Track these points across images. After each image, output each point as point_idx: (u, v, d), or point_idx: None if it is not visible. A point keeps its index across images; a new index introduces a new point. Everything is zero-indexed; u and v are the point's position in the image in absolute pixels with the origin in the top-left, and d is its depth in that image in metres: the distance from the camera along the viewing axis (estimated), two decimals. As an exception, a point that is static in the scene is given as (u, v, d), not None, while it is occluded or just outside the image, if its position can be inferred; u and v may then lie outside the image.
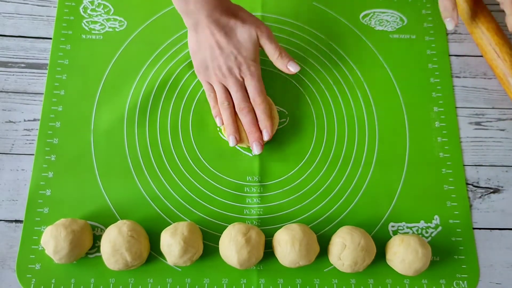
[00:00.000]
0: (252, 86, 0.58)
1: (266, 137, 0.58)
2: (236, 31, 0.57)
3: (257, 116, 0.59)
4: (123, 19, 0.67)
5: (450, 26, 0.59)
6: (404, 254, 0.52)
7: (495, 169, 0.62)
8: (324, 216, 0.58)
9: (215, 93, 0.60)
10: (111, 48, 0.65)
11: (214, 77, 0.59)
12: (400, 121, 0.63)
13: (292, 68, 0.58)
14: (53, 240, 0.51)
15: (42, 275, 0.54)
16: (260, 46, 0.59)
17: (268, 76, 0.64)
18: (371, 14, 0.69)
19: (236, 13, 0.58)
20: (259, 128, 0.58)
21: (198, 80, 0.64)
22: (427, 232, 0.58)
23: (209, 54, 0.58)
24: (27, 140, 0.60)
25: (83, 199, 0.57)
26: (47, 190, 0.57)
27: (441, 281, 0.56)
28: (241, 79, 0.58)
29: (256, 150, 0.57)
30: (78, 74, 0.63)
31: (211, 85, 0.61)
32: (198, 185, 0.59)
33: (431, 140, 0.62)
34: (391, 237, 0.57)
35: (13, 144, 0.60)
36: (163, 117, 0.62)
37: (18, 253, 0.55)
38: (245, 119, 0.58)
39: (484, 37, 0.65)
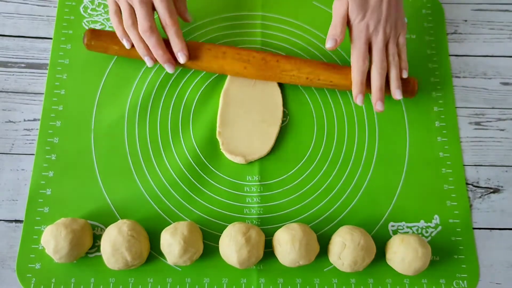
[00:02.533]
0: (161, 7, 0.55)
1: (182, 60, 0.58)
2: None
3: (169, 39, 0.57)
4: None
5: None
6: (404, 254, 0.52)
7: (495, 169, 0.62)
8: (324, 216, 0.58)
9: (121, 12, 0.57)
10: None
11: None
12: (400, 121, 0.63)
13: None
14: (53, 240, 0.51)
15: (42, 275, 0.54)
16: None
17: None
18: (371, 14, 0.69)
19: None
20: (169, 50, 0.58)
21: (199, 79, 0.64)
22: (427, 232, 0.58)
23: None
24: (27, 140, 0.60)
25: (83, 199, 0.57)
26: (47, 189, 0.57)
27: (441, 281, 0.56)
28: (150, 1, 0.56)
29: (169, 69, 0.58)
30: (78, 74, 0.63)
31: (117, 4, 0.58)
32: (198, 185, 0.59)
33: (431, 140, 0.62)
34: (391, 236, 0.57)
35: (13, 144, 0.60)
36: (164, 116, 0.62)
37: (18, 253, 0.55)
38: (149, 42, 0.56)
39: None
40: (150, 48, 0.57)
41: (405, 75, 0.59)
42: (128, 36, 0.58)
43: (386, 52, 0.58)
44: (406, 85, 0.61)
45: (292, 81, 0.61)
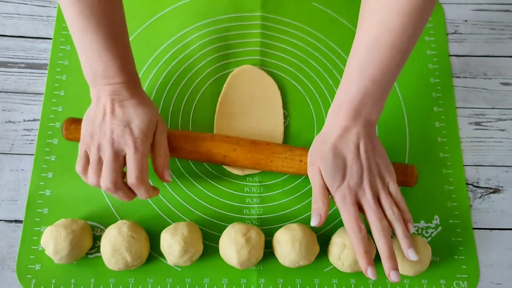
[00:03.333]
0: (131, 163, 0.49)
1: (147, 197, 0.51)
2: (136, 108, 0.51)
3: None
4: None
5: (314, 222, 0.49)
6: (403, 255, 0.52)
7: (495, 169, 0.62)
8: (324, 216, 0.58)
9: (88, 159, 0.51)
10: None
11: (95, 144, 0.50)
12: (400, 121, 0.63)
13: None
14: (53, 241, 0.51)
15: (42, 275, 0.54)
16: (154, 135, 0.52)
17: (270, 76, 0.64)
18: (371, 14, 0.69)
19: (142, 93, 0.53)
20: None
21: (199, 80, 0.64)
22: (427, 232, 0.58)
23: (99, 121, 0.50)
24: (27, 140, 0.60)
25: (83, 200, 0.57)
26: (47, 190, 0.57)
27: (441, 281, 0.56)
28: (123, 153, 0.50)
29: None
30: (78, 75, 0.63)
31: (86, 153, 0.51)
32: (198, 185, 0.59)
33: (431, 140, 0.62)
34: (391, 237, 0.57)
35: (12, 144, 0.60)
36: (163, 118, 0.62)
37: (18, 253, 0.55)
38: (115, 196, 0.51)
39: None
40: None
41: (411, 229, 0.50)
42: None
43: (381, 208, 0.50)
44: (405, 175, 0.55)
45: (285, 167, 0.56)
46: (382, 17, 0.46)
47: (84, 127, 0.51)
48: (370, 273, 0.48)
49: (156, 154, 0.52)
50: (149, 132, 0.51)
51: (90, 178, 0.50)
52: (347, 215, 0.49)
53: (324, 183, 0.50)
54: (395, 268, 0.48)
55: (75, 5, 0.47)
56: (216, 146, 0.55)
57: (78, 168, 0.50)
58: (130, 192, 0.51)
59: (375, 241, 0.49)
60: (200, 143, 0.55)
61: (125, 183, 0.50)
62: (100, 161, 0.49)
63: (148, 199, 0.57)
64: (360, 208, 0.49)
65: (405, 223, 0.50)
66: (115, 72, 0.49)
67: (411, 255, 0.49)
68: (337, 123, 0.50)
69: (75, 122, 0.57)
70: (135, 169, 0.49)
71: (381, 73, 0.47)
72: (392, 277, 0.47)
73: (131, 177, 0.49)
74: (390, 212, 0.49)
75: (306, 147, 0.61)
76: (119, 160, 0.49)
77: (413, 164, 0.58)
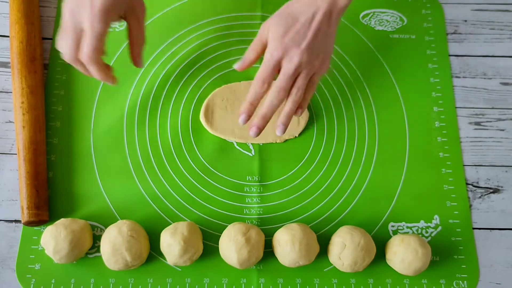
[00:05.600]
0: (86, 41, 0.47)
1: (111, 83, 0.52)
2: None
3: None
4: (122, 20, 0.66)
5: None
6: (404, 254, 0.52)
7: (495, 169, 0.62)
8: (324, 216, 0.58)
9: None
10: (111, 48, 0.64)
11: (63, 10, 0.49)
12: (400, 121, 0.63)
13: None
14: (53, 240, 0.51)
15: (42, 275, 0.54)
16: (128, 16, 0.52)
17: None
18: (371, 14, 0.69)
19: None
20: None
21: (198, 80, 0.64)
22: (427, 232, 0.58)
23: None
24: (27, 140, 0.60)
25: (83, 199, 0.57)
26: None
27: (441, 281, 0.56)
28: (80, 26, 0.47)
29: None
30: (78, 74, 0.63)
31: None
32: (198, 185, 0.59)
33: (431, 140, 0.62)
34: (391, 237, 0.57)
35: (13, 144, 0.60)
36: (163, 117, 0.62)
37: (18, 253, 0.55)
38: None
39: None
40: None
41: (298, 112, 0.52)
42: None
43: (291, 84, 0.51)
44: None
45: None
46: None
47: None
48: (241, 119, 0.51)
49: (131, 39, 0.51)
50: (113, 10, 0.48)
51: (67, 49, 0.48)
52: (263, 68, 0.50)
53: (266, 37, 0.51)
54: (259, 128, 0.51)
55: None
56: None
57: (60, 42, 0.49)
58: (85, 67, 0.50)
59: (263, 102, 0.51)
60: None
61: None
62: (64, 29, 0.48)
63: (149, 200, 0.57)
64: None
65: (297, 108, 0.52)
66: None
67: (279, 130, 0.51)
68: None
69: None
70: (86, 47, 0.47)
71: None
72: (251, 132, 0.51)
73: (82, 53, 0.47)
74: (295, 91, 0.51)
75: (306, 147, 0.61)
76: (76, 32, 0.47)
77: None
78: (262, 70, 0.50)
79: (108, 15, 0.47)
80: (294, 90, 0.51)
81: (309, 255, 0.52)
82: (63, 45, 0.48)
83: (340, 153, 0.61)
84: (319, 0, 0.51)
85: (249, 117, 0.51)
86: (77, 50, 0.48)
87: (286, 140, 0.61)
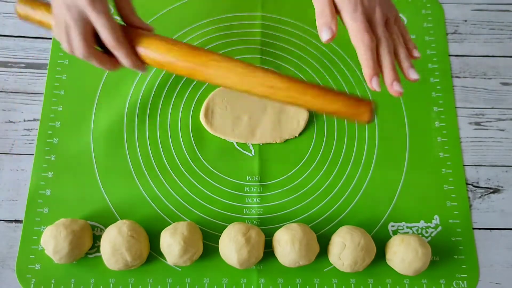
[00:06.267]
0: (101, 28, 0.46)
1: (142, 71, 0.50)
2: None
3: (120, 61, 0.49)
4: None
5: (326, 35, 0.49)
6: (404, 254, 0.52)
7: (495, 169, 0.62)
8: (324, 216, 0.58)
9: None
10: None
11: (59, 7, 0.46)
12: (400, 121, 0.63)
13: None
14: (53, 240, 0.51)
15: (42, 275, 0.54)
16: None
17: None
18: (371, 14, 0.69)
19: None
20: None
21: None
22: (427, 232, 0.58)
23: None
24: (27, 140, 0.60)
25: (83, 199, 0.57)
26: (47, 190, 0.57)
27: (441, 281, 0.56)
28: (83, 15, 0.46)
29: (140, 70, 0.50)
30: (78, 74, 0.63)
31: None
32: (198, 185, 0.59)
33: (431, 140, 0.62)
34: (391, 237, 0.57)
35: (13, 144, 0.60)
36: (163, 117, 0.62)
37: (18, 253, 0.55)
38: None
39: None
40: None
41: (416, 53, 0.50)
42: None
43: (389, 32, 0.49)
44: (356, 106, 0.49)
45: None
46: None
47: None
48: (374, 82, 0.47)
49: (121, 9, 0.49)
50: None
51: (63, 46, 0.47)
52: (357, 25, 0.47)
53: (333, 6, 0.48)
54: (398, 79, 0.47)
55: None
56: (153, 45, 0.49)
57: (56, 37, 0.48)
58: (107, 58, 0.48)
59: (381, 56, 0.48)
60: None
61: (99, 51, 0.48)
62: (68, 27, 0.46)
63: (149, 200, 0.57)
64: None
65: (410, 49, 0.50)
66: None
67: (412, 73, 0.48)
68: None
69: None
70: (105, 29, 0.45)
71: None
72: (395, 86, 0.47)
73: (107, 39, 0.46)
74: (396, 37, 0.49)
75: (305, 147, 0.61)
76: (82, 23, 0.45)
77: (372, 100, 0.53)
78: (360, 26, 0.47)
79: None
80: (394, 36, 0.49)
81: (309, 255, 0.52)
82: (73, 43, 0.46)
83: (340, 153, 0.61)
84: None
85: (379, 76, 0.48)
86: (91, 43, 0.47)
87: (286, 140, 0.61)
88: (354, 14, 0.47)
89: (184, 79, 0.64)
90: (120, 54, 0.47)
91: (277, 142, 0.61)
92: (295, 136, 0.61)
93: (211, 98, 0.62)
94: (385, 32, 0.48)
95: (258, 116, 0.61)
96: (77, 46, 0.47)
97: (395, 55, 0.49)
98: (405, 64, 0.49)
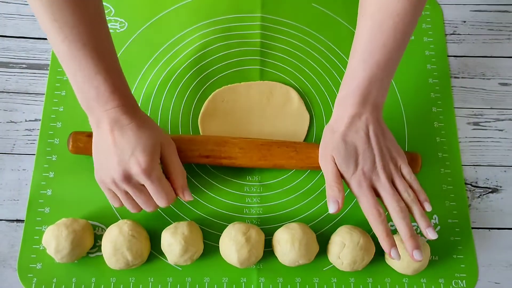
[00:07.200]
0: (152, 191, 0.51)
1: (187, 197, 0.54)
2: (137, 132, 0.49)
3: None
4: (123, 20, 0.67)
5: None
6: (403, 253, 0.52)
7: (494, 169, 0.62)
8: (324, 215, 0.58)
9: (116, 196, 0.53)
10: (112, 48, 0.65)
11: (112, 181, 0.50)
12: (399, 121, 0.63)
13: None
14: (54, 240, 0.52)
15: (43, 275, 0.54)
16: (162, 156, 0.52)
17: (269, 78, 0.64)
18: (370, 15, 0.69)
19: (141, 115, 0.52)
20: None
21: (198, 80, 0.64)
22: (426, 232, 0.58)
23: (105, 152, 0.50)
24: (28, 140, 0.60)
25: (84, 199, 0.58)
26: (48, 190, 0.58)
27: (440, 281, 0.56)
28: (139, 185, 0.51)
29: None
30: (79, 75, 0.63)
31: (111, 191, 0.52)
32: (198, 185, 0.59)
33: (429, 140, 0.62)
34: (390, 236, 0.57)
35: (14, 144, 0.60)
36: (164, 118, 0.62)
37: (19, 253, 0.55)
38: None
39: None
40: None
41: (428, 208, 0.51)
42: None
43: (397, 191, 0.50)
44: (410, 163, 0.55)
45: (294, 161, 0.57)
46: (383, 2, 0.47)
47: (96, 160, 0.51)
48: (394, 254, 0.48)
49: (172, 175, 0.52)
50: (155, 155, 0.50)
51: (132, 211, 0.53)
52: (365, 200, 0.50)
53: (338, 170, 0.51)
54: (418, 247, 0.48)
55: (59, 33, 0.45)
56: (224, 150, 0.56)
57: (115, 204, 0.53)
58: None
59: (395, 223, 0.50)
60: (204, 146, 0.56)
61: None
62: (127, 193, 0.51)
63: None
64: (375, 192, 0.50)
65: (421, 203, 0.51)
66: (108, 96, 0.48)
67: (431, 234, 0.49)
68: (345, 111, 0.50)
69: (79, 137, 0.56)
70: (159, 195, 0.51)
71: (386, 58, 0.49)
72: (416, 255, 0.48)
73: (160, 203, 0.51)
74: (406, 194, 0.50)
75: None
76: (143, 189, 0.51)
77: (417, 152, 0.58)
78: (366, 202, 0.50)
79: (154, 161, 0.50)
80: (405, 195, 0.50)
81: (309, 254, 0.53)
82: (143, 205, 0.52)
83: (339, 153, 0.61)
84: (363, 114, 0.50)
85: (397, 247, 0.49)
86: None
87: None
88: (360, 191, 0.50)
89: (184, 79, 0.64)
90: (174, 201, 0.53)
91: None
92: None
93: (211, 99, 0.62)
94: (394, 196, 0.49)
95: (258, 116, 0.62)
96: (145, 206, 0.52)
97: (410, 212, 0.51)
98: (422, 224, 0.50)
